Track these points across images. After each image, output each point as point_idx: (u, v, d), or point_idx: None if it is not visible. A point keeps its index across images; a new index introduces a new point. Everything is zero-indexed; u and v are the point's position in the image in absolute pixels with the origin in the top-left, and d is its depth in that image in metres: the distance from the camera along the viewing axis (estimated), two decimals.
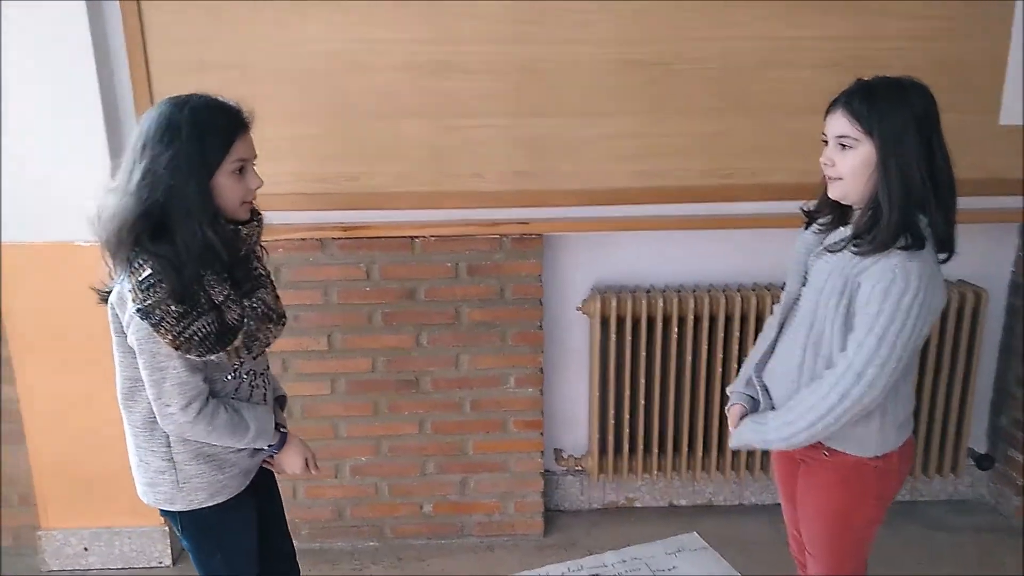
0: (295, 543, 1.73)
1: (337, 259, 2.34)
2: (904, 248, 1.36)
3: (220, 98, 1.46)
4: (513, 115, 2.23)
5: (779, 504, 1.78)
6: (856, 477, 1.50)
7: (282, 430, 1.62)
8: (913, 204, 1.37)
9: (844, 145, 1.42)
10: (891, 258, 1.36)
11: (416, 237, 2.33)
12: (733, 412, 1.64)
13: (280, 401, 1.75)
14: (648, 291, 2.47)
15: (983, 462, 2.66)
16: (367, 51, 2.17)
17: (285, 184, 2.24)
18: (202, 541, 1.61)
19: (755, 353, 1.66)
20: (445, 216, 2.31)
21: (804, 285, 1.56)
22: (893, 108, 1.37)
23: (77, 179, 2.14)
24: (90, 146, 2.16)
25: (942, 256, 1.42)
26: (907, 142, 1.36)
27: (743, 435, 1.58)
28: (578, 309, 2.48)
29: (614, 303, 2.40)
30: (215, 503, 1.55)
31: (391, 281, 2.37)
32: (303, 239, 2.30)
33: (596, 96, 2.23)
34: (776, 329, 1.61)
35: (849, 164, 1.41)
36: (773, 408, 1.56)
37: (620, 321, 2.43)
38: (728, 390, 1.71)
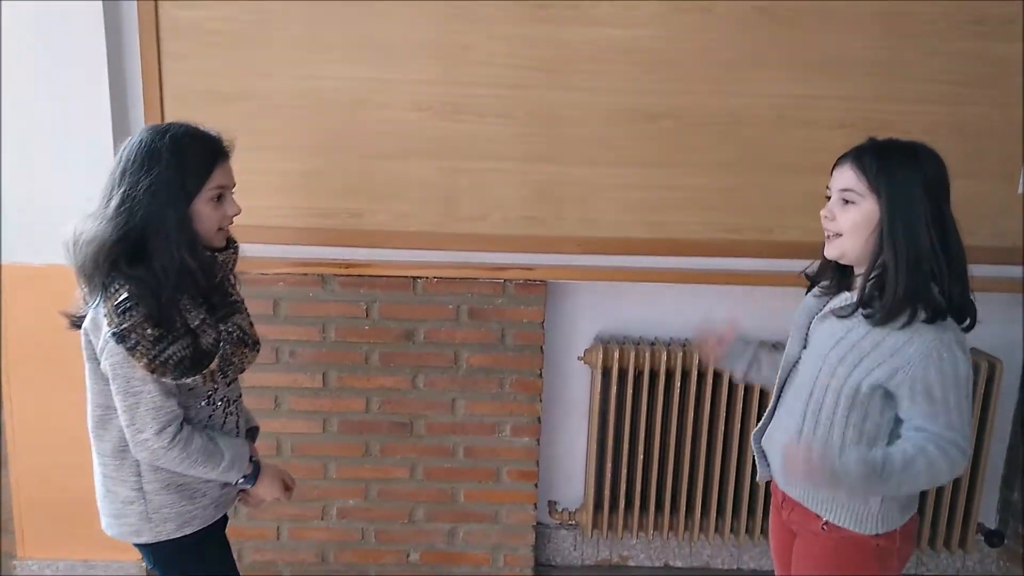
0: None
1: (337, 296, 2.31)
2: (927, 321, 1.31)
3: (201, 127, 1.49)
4: (522, 160, 2.21)
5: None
6: (854, 554, 1.43)
7: (254, 459, 1.59)
8: (924, 271, 1.32)
9: (847, 200, 1.38)
10: (925, 335, 1.31)
11: (418, 278, 2.29)
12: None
13: (252, 432, 1.73)
14: (652, 343, 2.42)
15: (993, 538, 2.56)
16: (379, 89, 2.16)
17: (288, 217, 2.22)
18: (171, 573, 1.56)
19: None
20: (448, 258, 2.28)
21: (805, 348, 1.51)
22: (903, 170, 1.35)
23: (83, 204, 2.12)
24: (98, 172, 2.14)
25: (964, 325, 1.37)
26: (916, 205, 1.32)
27: (840, 466, 1.31)
28: (580, 359, 2.42)
29: (617, 354, 2.35)
30: (183, 534, 1.51)
31: (390, 321, 2.33)
32: (304, 274, 2.27)
33: (607, 145, 2.21)
34: (776, 393, 1.55)
35: (850, 220, 1.38)
36: (770, 474, 1.51)
37: (622, 373, 2.38)
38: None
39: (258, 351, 1.59)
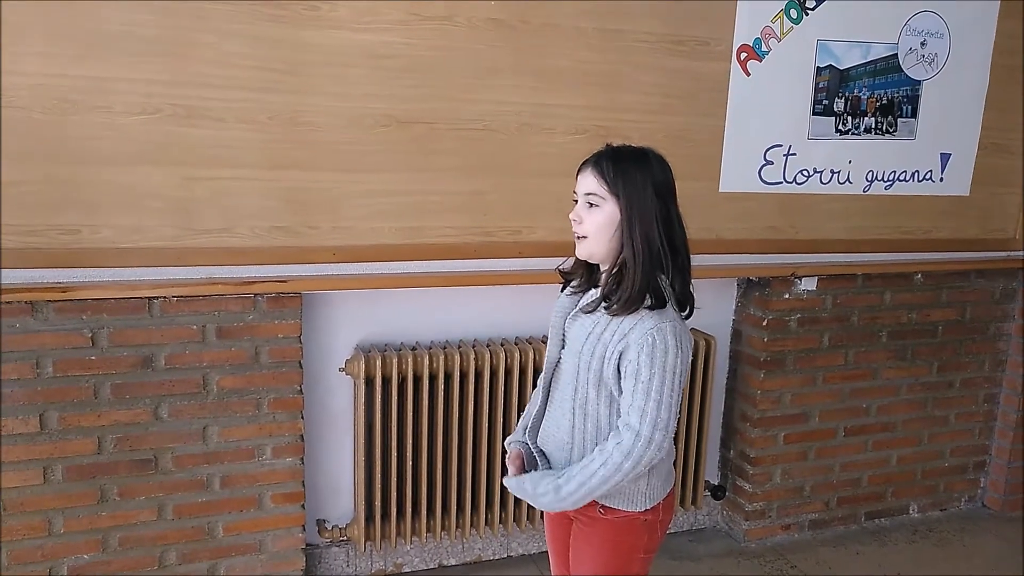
0: None
1: (53, 324, 2.00)
2: (650, 308, 1.44)
3: None
4: (270, 167, 2.08)
5: (545, 552, 1.79)
6: (628, 532, 1.55)
7: None
8: (655, 265, 1.46)
9: (592, 203, 1.48)
10: (645, 322, 1.43)
11: (155, 298, 2.07)
12: (513, 454, 1.63)
13: None
14: (414, 348, 2.42)
15: (717, 492, 2.94)
16: (94, 90, 1.90)
17: None
18: None
19: (527, 417, 1.67)
20: (190, 274, 2.08)
21: (563, 348, 1.59)
22: (636, 172, 1.46)
23: None
24: None
25: (683, 314, 1.53)
26: (647, 205, 1.45)
27: (532, 490, 1.52)
28: (341, 370, 2.36)
29: (379, 362, 2.32)
30: None
31: (123, 348, 2.08)
32: (8, 302, 1.94)
33: (359, 151, 2.16)
34: (543, 393, 1.63)
35: (595, 221, 1.48)
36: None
37: (386, 380, 2.35)
38: (506, 442, 1.70)
39: None
